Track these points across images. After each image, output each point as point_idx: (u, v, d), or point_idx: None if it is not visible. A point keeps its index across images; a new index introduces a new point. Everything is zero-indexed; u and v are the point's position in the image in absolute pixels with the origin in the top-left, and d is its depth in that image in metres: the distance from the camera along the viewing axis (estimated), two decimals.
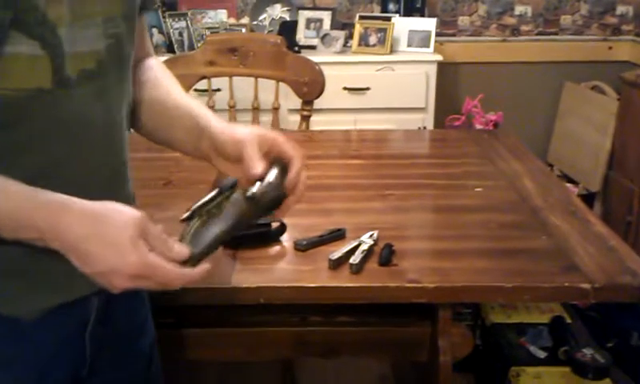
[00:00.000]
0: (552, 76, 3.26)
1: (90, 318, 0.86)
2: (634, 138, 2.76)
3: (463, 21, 3.25)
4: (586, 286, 1.07)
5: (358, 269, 1.11)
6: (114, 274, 0.73)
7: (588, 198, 2.89)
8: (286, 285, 1.10)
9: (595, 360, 1.82)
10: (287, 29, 2.98)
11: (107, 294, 0.85)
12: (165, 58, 2.11)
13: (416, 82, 2.86)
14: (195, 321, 1.24)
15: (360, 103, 2.85)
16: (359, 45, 2.96)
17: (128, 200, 0.87)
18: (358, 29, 2.97)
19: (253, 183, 0.84)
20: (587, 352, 1.84)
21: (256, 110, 2.23)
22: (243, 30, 3.02)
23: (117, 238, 0.72)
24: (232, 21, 3.11)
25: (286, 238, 1.23)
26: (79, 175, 0.80)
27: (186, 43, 2.93)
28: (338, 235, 1.22)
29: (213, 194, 0.82)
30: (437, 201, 1.47)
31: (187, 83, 2.05)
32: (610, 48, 3.26)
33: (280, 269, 1.17)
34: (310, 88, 2.08)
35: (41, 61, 0.74)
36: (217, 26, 3.01)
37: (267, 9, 3.12)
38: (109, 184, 0.85)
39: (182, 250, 0.77)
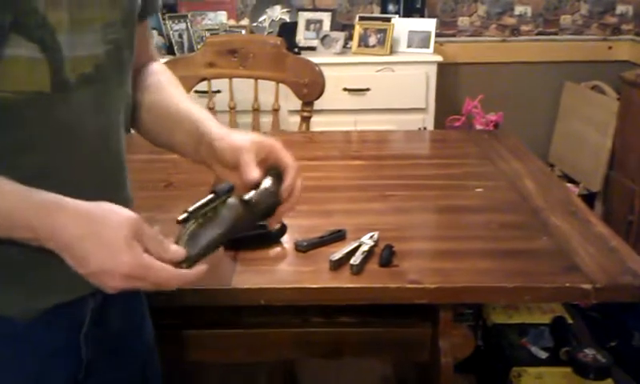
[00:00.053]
0: (552, 76, 3.26)
1: (86, 319, 0.87)
2: (634, 137, 2.75)
3: (463, 21, 3.25)
4: (587, 286, 1.06)
5: (358, 270, 1.11)
6: (107, 274, 0.73)
7: (589, 198, 2.89)
8: (286, 286, 1.10)
9: (596, 360, 1.82)
10: (287, 30, 2.98)
11: (103, 295, 0.86)
12: (165, 59, 2.11)
13: (416, 82, 2.85)
14: (196, 322, 1.24)
15: (360, 104, 2.85)
16: (359, 46, 2.96)
17: (126, 202, 0.88)
18: (357, 30, 2.97)
19: (249, 189, 0.86)
20: (589, 352, 1.84)
21: (256, 111, 2.23)
22: (243, 32, 3.02)
23: (111, 239, 0.72)
24: (232, 22, 3.11)
25: (286, 240, 1.23)
26: (77, 178, 0.80)
27: (186, 45, 2.93)
28: (338, 236, 1.22)
29: (209, 197, 0.82)
30: (437, 201, 1.46)
31: (187, 85, 2.04)
32: (610, 48, 3.26)
33: (281, 270, 1.17)
34: (310, 89, 2.08)
35: (40, 64, 0.74)
36: (216, 27, 3.02)
37: (267, 10, 3.12)
38: (106, 187, 0.85)
39: (179, 250, 0.77)
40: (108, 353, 0.92)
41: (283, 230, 1.23)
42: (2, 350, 0.81)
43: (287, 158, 0.89)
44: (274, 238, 1.22)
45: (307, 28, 3.07)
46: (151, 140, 1.00)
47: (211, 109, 2.17)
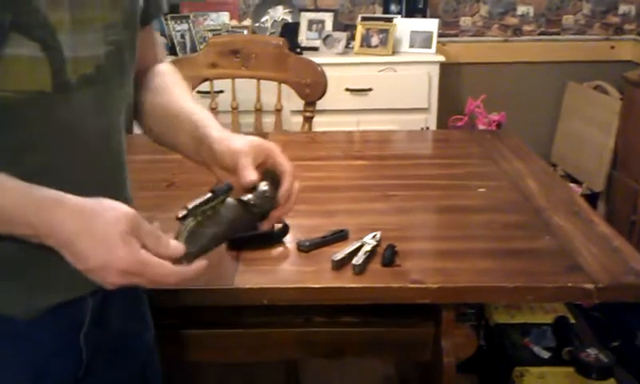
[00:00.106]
0: (554, 76, 3.25)
1: (86, 319, 0.87)
2: (637, 137, 2.75)
3: (465, 21, 3.25)
4: (589, 286, 1.06)
5: (360, 269, 1.11)
6: (105, 270, 0.73)
7: (592, 198, 2.89)
8: (289, 286, 1.10)
9: (599, 360, 1.82)
10: (289, 30, 2.98)
11: (102, 294, 0.86)
12: (167, 60, 2.12)
13: (418, 82, 2.85)
14: (198, 322, 1.24)
15: (362, 104, 2.85)
16: (361, 46, 2.96)
17: (126, 202, 0.88)
18: (359, 30, 2.97)
19: (246, 192, 0.87)
20: (591, 352, 1.84)
21: (259, 111, 2.24)
22: (245, 32, 3.02)
23: (107, 234, 0.72)
24: (234, 23, 3.12)
25: (288, 240, 1.23)
26: (77, 178, 0.80)
27: (189, 45, 2.94)
28: (340, 236, 1.22)
29: (207, 196, 0.83)
30: (440, 201, 1.46)
31: (190, 85, 2.05)
32: (613, 47, 3.25)
33: (283, 270, 1.17)
34: (312, 89, 2.08)
35: (41, 64, 0.74)
36: (219, 28, 3.02)
37: (269, 11, 3.13)
38: (107, 187, 0.85)
39: (178, 246, 0.78)
40: (108, 352, 0.92)
41: (286, 230, 1.23)
42: (2, 348, 0.81)
43: (284, 162, 0.91)
44: (276, 238, 1.22)
45: (309, 28, 3.07)
46: (156, 140, 1.02)
47: (214, 109, 2.18)
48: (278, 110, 2.22)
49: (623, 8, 3.23)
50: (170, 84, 1.01)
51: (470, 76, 3.26)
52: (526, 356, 1.89)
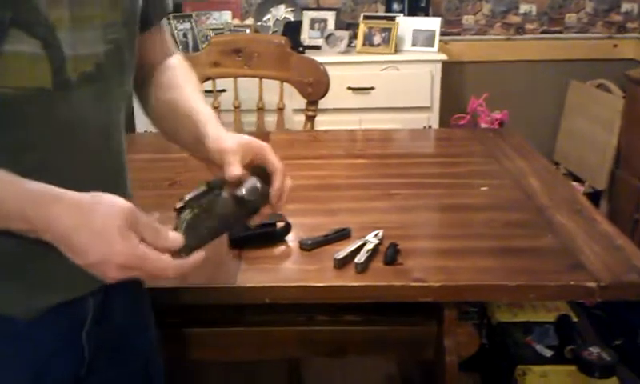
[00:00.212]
0: (557, 74, 3.25)
1: (87, 317, 0.87)
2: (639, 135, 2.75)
3: (468, 20, 3.24)
4: (591, 284, 1.06)
5: (363, 268, 1.11)
6: (104, 264, 0.73)
7: (594, 197, 2.88)
8: (291, 284, 1.11)
9: (601, 358, 1.81)
10: (291, 29, 2.98)
11: (103, 293, 0.86)
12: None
13: (421, 81, 2.85)
14: (200, 320, 1.24)
15: (365, 103, 2.85)
16: (363, 45, 2.95)
17: None
18: (362, 29, 2.97)
19: (237, 188, 0.87)
20: (593, 350, 1.84)
21: (261, 110, 2.24)
22: (247, 31, 3.02)
23: (105, 228, 0.72)
24: (236, 22, 3.12)
25: (291, 238, 1.23)
26: (77, 176, 0.80)
27: (191, 44, 2.94)
28: (343, 235, 1.22)
29: (202, 189, 0.84)
30: (442, 200, 1.46)
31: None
32: (615, 46, 3.25)
33: (285, 268, 1.17)
34: (314, 88, 2.08)
35: (41, 61, 0.74)
36: (221, 27, 3.02)
37: (271, 9, 3.13)
38: (107, 186, 0.85)
39: (177, 238, 0.78)
40: (110, 350, 0.92)
41: (288, 228, 1.23)
42: (3, 348, 0.81)
43: (275, 160, 0.90)
44: (278, 237, 1.22)
45: (312, 27, 3.08)
46: (166, 136, 1.02)
47: (216, 108, 2.18)
48: (281, 109, 2.22)
49: (626, 6, 3.23)
50: (179, 79, 1.01)
51: (473, 74, 3.26)
52: (528, 354, 1.89)
